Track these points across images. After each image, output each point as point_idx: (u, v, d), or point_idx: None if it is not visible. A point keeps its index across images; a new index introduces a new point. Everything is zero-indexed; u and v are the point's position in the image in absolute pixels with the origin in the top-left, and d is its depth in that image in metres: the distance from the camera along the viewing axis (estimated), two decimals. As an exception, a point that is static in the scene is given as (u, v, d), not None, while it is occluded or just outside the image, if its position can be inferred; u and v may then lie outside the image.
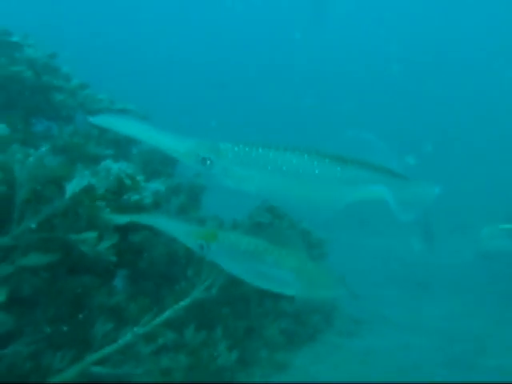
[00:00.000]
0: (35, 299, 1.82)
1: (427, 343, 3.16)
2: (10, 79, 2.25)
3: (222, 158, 1.28)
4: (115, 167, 1.82)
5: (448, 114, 16.64)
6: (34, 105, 2.46)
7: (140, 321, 2.45)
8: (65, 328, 2.30)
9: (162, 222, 1.43)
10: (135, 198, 1.83)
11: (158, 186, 1.96)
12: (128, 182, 1.84)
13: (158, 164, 2.98)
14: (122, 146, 3.09)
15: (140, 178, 1.88)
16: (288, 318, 3.09)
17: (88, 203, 1.69)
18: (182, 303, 2.64)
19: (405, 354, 2.98)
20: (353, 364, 2.85)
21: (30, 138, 2.06)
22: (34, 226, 1.68)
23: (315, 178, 1.26)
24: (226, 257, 1.44)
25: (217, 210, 3.17)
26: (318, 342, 3.09)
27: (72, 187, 1.69)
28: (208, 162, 1.27)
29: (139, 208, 1.84)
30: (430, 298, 4.48)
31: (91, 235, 1.71)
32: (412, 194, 1.33)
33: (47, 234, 1.72)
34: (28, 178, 1.68)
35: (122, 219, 1.70)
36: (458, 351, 3.01)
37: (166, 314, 2.53)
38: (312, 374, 2.62)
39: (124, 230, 1.85)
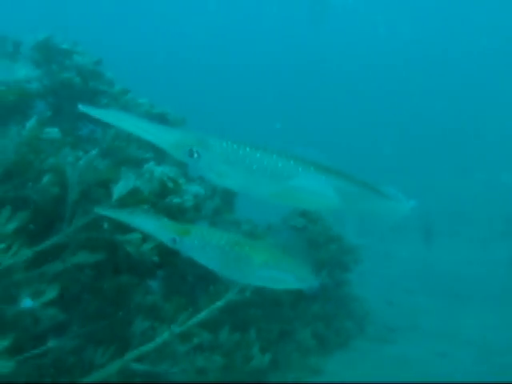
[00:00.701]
0: (79, 296, 1.90)
1: (464, 354, 3.08)
2: (61, 85, 2.36)
3: (210, 151, 1.30)
4: (158, 170, 1.88)
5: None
6: (73, 110, 2.56)
7: (176, 320, 2.51)
8: (105, 325, 2.38)
9: (134, 218, 1.45)
10: (177, 200, 1.88)
11: (198, 189, 2.00)
12: (170, 184, 1.90)
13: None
14: (160, 148, 3.16)
15: (181, 180, 1.93)
16: (320, 323, 3.08)
17: (133, 205, 1.75)
18: (217, 304, 2.68)
19: (440, 363, 2.92)
20: (386, 371, 2.82)
21: (77, 141, 2.15)
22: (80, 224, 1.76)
23: (297, 183, 1.30)
24: (199, 251, 1.46)
25: (251, 213, 3.20)
26: (350, 347, 3.07)
27: (119, 189, 1.76)
28: (195, 154, 1.30)
29: (181, 211, 1.89)
30: (464, 308, 4.35)
31: (136, 236, 1.77)
32: (388, 207, 1.37)
33: (95, 234, 1.80)
34: (79, 180, 1.76)
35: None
36: (497, 364, 2.92)
37: (202, 315, 2.57)
38: (345, 380, 2.60)
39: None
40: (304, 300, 3.23)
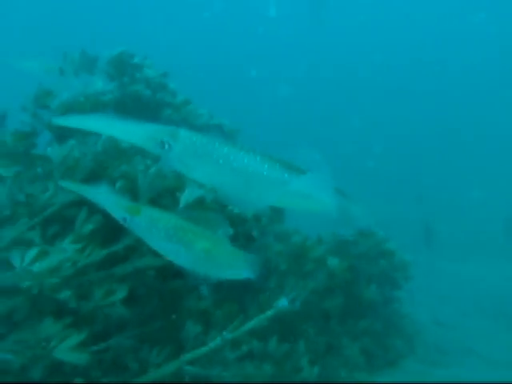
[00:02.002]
0: (137, 296, 1.99)
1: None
2: (131, 97, 2.52)
3: (180, 143, 1.34)
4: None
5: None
6: (144, 120, 2.71)
7: (226, 326, 2.56)
8: (159, 326, 2.47)
9: (94, 194, 1.49)
10: (238, 210, 1.95)
11: (256, 199, 2.05)
12: (232, 194, 1.97)
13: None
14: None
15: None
16: (368, 339, 3.03)
17: (198, 213, 1.83)
18: (268, 313, 2.71)
19: (497, 392, 2.77)
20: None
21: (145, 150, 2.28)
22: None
23: (262, 178, 1.33)
24: (146, 231, 1.50)
25: (302, 223, 3.22)
26: (399, 367, 2.99)
27: (185, 197, 1.85)
28: (166, 145, 1.33)
29: (242, 220, 1.95)
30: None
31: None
32: (352, 212, 1.40)
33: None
34: (149, 187, 1.87)
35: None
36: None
37: (252, 323, 2.61)
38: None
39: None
40: (352, 315, 3.20)
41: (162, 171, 1.88)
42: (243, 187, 1.35)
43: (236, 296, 3.04)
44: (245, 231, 2.05)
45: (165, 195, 1.90)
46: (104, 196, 1.46)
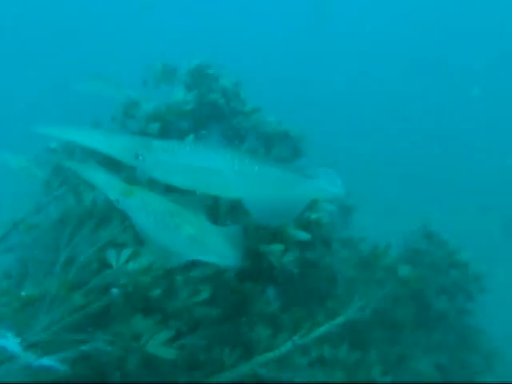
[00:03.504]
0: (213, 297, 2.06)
1: None
2: (207, 106, 2.64)
3: (153, 153, 1.38)
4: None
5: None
6: (218, 128, 2.83)
7: (294, 331, 2.58)
8: (229, 327, 2.53)
9: (90, 173, 1.49)
10: (314, 216, 1.97)
11: (331, 206, 2.07)
12: (308, 201, 1.99)
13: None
14: (284, 162, 3.32)
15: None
16: (442, 353, 2.91)
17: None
18: (338, 320, 2.70)
19: None
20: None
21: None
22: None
23: (234, 174, 1.37)
24: (136, 213, 1.50)
25: (370, 231, 3.17)
26: (476, 385, 2.83)
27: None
28: (140, 157, 1.37)
29: (319, 226, 1.97)
30: None
31: (278, 248, 1.89)
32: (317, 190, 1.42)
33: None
34: (230, 193, 1.95)
35: (304, 236, 1.84)
36: None
37: (322, 329, 2.61)
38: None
39: (303, 246, 2.00)
40: (423, 326, 3.09)
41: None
42: (219, 188, 1.41)
43: (302, 301, 3.06)
44: (322, 236, 2.06)
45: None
46: (99, 176, 1.47)
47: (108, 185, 1.46)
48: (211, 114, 2.70)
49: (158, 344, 1.70)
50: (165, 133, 2.39)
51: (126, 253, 1.83)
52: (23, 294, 1.72)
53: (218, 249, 1.48)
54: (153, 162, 1.38)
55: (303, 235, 1.87)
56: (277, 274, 2.04)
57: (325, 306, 2.93)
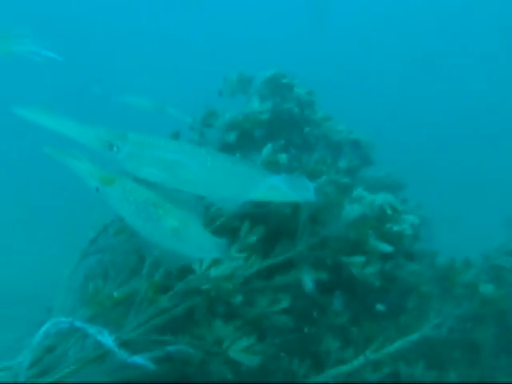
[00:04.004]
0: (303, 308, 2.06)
1: None
2: (281, 115, 2.67)
3: (127, 144, 1.37)
4: (380, 197, 1.95)
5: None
6: (289, 136, 2.85)
7: (362, 344, 2.51)
8: (296, 338, 2.51)
9: (68, 160, 1.43)
10: (397, 228, 1.92)
11: (413, 218, 2.01)
12: (389, 211, 1.95)
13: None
14: (353, 172, 3.27)
15: (401, 209, 1.96)
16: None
17: (359, 230, 1.85)
18: (412, 337, 2.59)
19: None
20: None
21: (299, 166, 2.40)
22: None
23: (207, 170, 1.39)
24: (117, 202, 1.44)
25: (448, 245, 3.02)
26: None
27: (346, 214, 1.88)
28: (115, 148, 1.36)
29: (401, 239, 1.92)
30: None
31: (359, 259, 1.86)
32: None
33: (321, 253, 1.95)
34: (309, 203, 1.95)
35: (387, 248, 1.79)
36: None
37: (396, 345, 2.52)
38: None
39: (383, 258, 1.95)
40: (506, 349, 2.88)
41: (323, 188, 1.94)
42: (191, 182, 1.40)
43: (371, 314, 2.97)
44: (404, 249, 2.00)
45: (325, 210, 1.95)
46: (78, 163, 1.43)
47: (87, 172, 1.43)
48: (285, 123, 2.73)
49: (240, 350, 1.74)
50: (241, 142, 2.45)
51: (209, 259, 1.89)
52: (115, 294, 1.83)
53: (200, 243, 1.46)
54: (127, 153, 1.39)
55: (386, 247, 1.83)
56: (357, 286, 2.01)
57: (397, 321, 2.82)
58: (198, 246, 1.45)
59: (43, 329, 1.65)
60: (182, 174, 1.40)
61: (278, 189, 1.45)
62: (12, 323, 4.16)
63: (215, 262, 1.88)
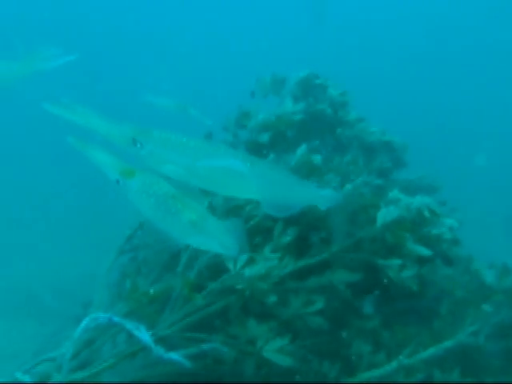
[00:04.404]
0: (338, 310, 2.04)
1: None
2: (314, 116, 2.66)
3: (151, 141, 1.41)
4: (417, 200, 1.91)
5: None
6: (322, 137, 2.83)
7: (397, 350, 2.46)
8: (325, 340, 2.48)
9: (90, 152, 1.44)
10: (435, 231, 1.88)
11: (452, 221, 1.96)
12: (427, 214, 1.91)
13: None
14: (386, 174, 3.22)
15: (439, 211, 1.92)
16: None
17: (396, 232, 1.82)
18: (447, 343, 2.53)
19: None
20: None
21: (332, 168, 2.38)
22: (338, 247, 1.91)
23: (226, 169, 1.41)
24: (136, 196, 1.45)
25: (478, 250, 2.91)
26: None
27: (382, 216, 1.85)
28: (138, 143, 1.40)
29: (439, 242, 1.87)
30: None
31: (396, 262, 1.82)
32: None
33: (356, 255, 1.93)
34: (345, 203, 1.93)
35: (424, 251, 1.76)
36: None
37: (431, 351, 2.46)
38: None
39: (419, 262, 1.91)
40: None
41: (359, 189, 1.92)
42: (213, 181, 1.43)
43: (402, 318, 2.91)
44: (442, 252, 1.96)
45: (360, 212, 1.93)
46: (99, 155, 1.45)
47: (108, 165, 1.45)
48: (318, 124, 2.72)
49: (274, 350, 1.74)
50: (274, 143, 2.45)
51: (243, 258, 1.89)
52: (151, 291, 1.86)
53: (217, 236, 1.46)
54: (150, 149, 1.42)
55: (424, 251, 1.79)
56: (391, 290, 1.97)
57: (430, 326, 2.76)
58: (216, 239, 1.47)
59: (83, 323, 1.70)
60: (200, 172, 1.43)
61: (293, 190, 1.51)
62: (47, 318, 4.31)
63: (249, 262, 1.89)
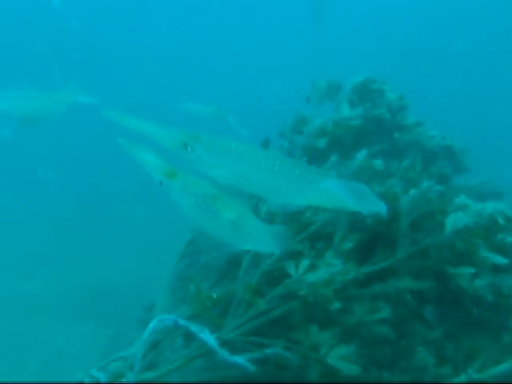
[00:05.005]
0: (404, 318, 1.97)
1: None
2: (372, 121, 2.62)
3: (201, 145, 1.45)
4: (489, 206, 1.82)
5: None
6: (379, 142, 2.77)
7: (463, 364, 2.33)
8: (386, 350, 2.40)
9: (137, 154, 1.47)
10: (510, 239, 1.78)
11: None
12: (501, 221, 1.81)
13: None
14: (445, 180, 3.10)
15: (514, 218, 1.81)
16: None
17: (468, 240, 1.74)
18: (520, 359, 2.37)
19: None
20: None
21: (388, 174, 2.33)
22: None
23: (275, 174, 1.42)
24: (178, 196, 1.49)
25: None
26: None
27: (452, 222, 1.78)
28: (189, 148, 1.44)
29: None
30: None
31: (468, 270, 1.74)
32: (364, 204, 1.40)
33: (422, 263, 1.86)
34: (410, 208, 1.87)
35: (499, 259, 1.66)
36: None
37: (504, 366, 2.32)
38: None
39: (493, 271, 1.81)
40: None
41: (426, 194, 1.86)
42: (257, 185, 1.44)
43: (465, 330, 2.76)
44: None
45: (427, 217, 1.86)
46: (147, 157, 1.50)
47: (154, 166, 1.50)
48: (376, 129, 2.67)
49: (339, 357, 1.70)
50: (332, 148, 2.43)
51: (304, 264, 1.88)
52: (214, 295, 1.89)
53: (257, 235, 1.46)
54: (199, 153, 1.46)
55: (498, 259, 1.70)
56: (466, 300, 1.88)
57: (497, 340, 2.60)
58: (256, 237, 1.48)
59: (151, 325, 1.75)
60: (249, 177, 1.45)
61: (333, 195, 1.43)
62: (107, 320, 4.49)
63: (311, 267, 1.88)
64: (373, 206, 1.44)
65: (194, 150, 1.46)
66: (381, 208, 1.44)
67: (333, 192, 1.42)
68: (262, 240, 1.47)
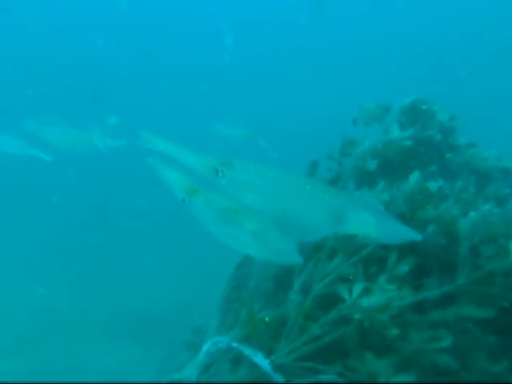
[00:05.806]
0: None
1: None
2: (422, 142, 2.58)
3: (232, 171, 1.47)
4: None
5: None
6: (429, 164, 2.70)
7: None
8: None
9: (163, 168, 1.50)
10: None
11: None
12: None
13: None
14: (502, 202, 2.96)
15: None
16: None
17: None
18: None
19: None
20: None
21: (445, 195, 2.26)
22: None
23: (305, 200, 1.42)
24: (201, 212, 1.51)
25: None
26: None
27: (516, 246, 1.69)
28: (220, 173, 1.47)
29: None
30: None
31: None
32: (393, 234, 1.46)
33: (486, 289, 1.77)
34: (471, 232, 1.80)
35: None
36: None
37: None
38: None
39: None
40: None
41: (486, 217, 1.78)
42: (294, 212, 1.44)
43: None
44: None
45: (488, 242, 1.78)
46: (171, 174, 1.51)
47: (177, 183, 1.53)
48: (425, 151, 2.62)
49: (398, 388, 1.63)
50: (382, 170, 2.40)
51: (359, 288, 1.84)
52: (267, 318, 1.88)
53: (279, 246, 1.47)
54: (231, 179, 1.49)
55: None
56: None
57: None
58: (278, 249, 1.49)
59: (205, 347, 1.76)
60: (280, 202, 1.47)
61: (362, 226, 1.46)
62: (153, 343, 4.54)
63: (365, 292, 1.83)
64: (404, 236, 1.46)
65: (225, 176, 1.49)
66: (415, 237, 1.45)
67: (361, 223, 1.45)
68: (284, 251, 1.49)
